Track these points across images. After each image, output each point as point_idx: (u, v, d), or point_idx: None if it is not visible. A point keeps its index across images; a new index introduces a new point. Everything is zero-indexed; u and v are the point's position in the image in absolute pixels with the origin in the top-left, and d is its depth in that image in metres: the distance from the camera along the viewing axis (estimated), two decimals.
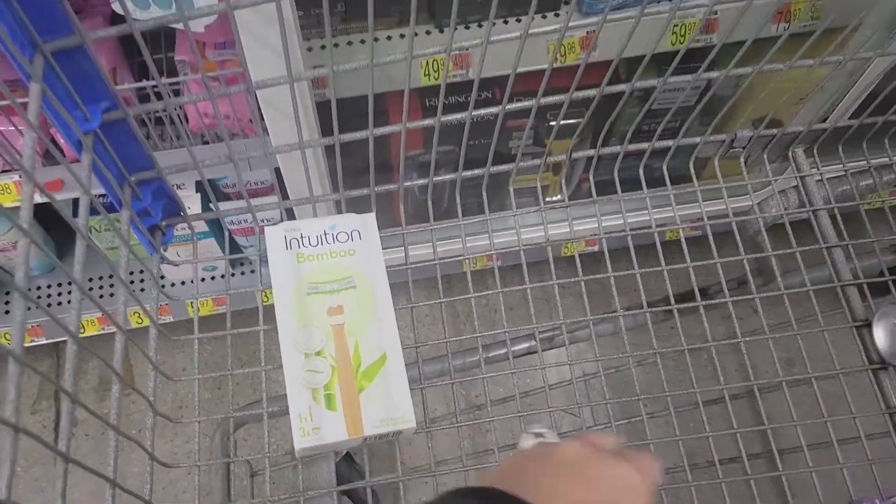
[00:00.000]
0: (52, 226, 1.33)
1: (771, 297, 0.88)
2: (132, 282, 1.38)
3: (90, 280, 1.36)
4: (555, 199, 1.39)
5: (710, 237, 0.88)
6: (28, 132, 0.51)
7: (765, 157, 0.92)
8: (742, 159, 0.92)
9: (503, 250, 0.87)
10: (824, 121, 0.98)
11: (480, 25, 0.97)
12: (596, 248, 1.38)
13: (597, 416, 1.38)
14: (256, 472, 1.15)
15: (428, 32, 0.95)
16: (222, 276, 1.33)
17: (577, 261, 0.85)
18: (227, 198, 1.26)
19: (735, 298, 0.89)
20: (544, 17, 0.99)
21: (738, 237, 0.88)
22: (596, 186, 0.88)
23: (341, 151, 0.75)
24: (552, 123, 1.17)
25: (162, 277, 1.34)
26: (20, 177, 1.01)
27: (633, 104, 1.16)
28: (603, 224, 0.87)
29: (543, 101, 0.76)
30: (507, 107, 0.77)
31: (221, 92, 0.65)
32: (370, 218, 0.79)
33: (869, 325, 0.84)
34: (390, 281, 0.76)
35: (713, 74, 0.76)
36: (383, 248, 0.78)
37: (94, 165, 0.62)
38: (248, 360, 1.47)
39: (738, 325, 0.87)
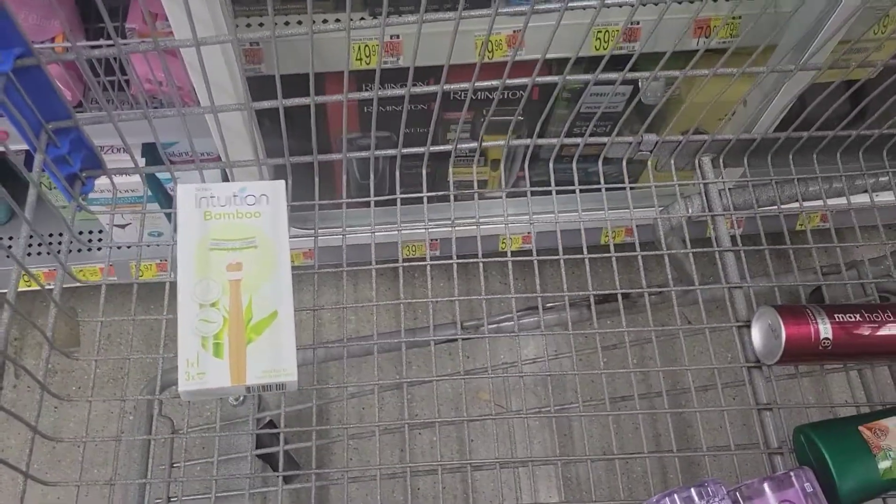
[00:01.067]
0: None
1: (686, 303, 0.93)
2: (90, 240, 1.42)
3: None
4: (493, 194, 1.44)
5: (636, 236, 0.92)
6: None
7: (672, 161, 0.96)
8: (650, 163, 0.97)
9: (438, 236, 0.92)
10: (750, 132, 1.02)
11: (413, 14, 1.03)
12: (530, 246, 1.42)
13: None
14: (177, 431, 1.20)
15: (362, 18, 1.00)
16: (168, 245, 1.38)
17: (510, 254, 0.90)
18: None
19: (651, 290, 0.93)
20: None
21: (662, 238, 0.93)
22: (531, 185, 0.93)
23: (273, 127, 0.80)
24: (494, 119, 1.22)
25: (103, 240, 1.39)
26: None
27: (563, 105, 1.22)
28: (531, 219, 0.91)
29: (478, 84, 0.81)
30: (445, 87, 0.80)
31: (165, 45, 0.69)
32: (280, 184, 0.84)
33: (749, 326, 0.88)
34: (326, 261, 0.81)
35: (643, 74, 0.81)
36: (327, 227, 0.83)
37: (5, 110, 0.67)
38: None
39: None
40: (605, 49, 1.04)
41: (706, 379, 1.42)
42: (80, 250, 1.40)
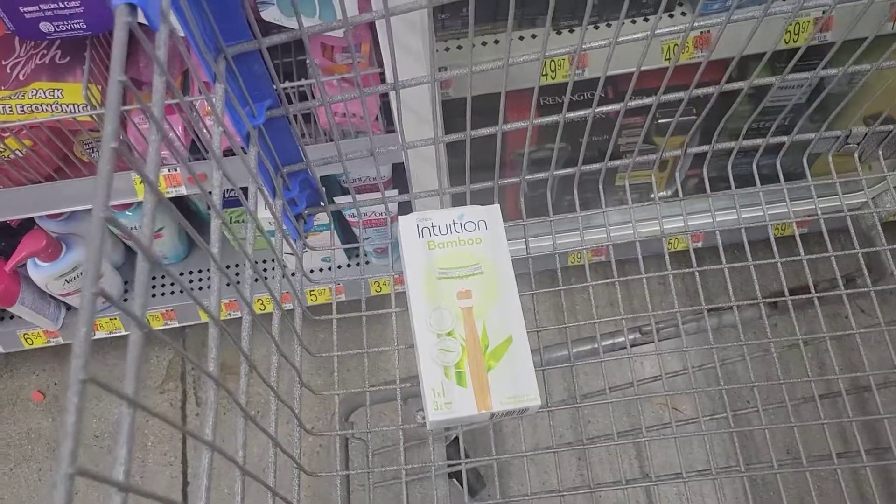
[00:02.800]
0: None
1: (880, 296, 0.88)
2: (264, 269, 1.47)
3: (208, 270, 1.47)
4: (661, 195, 1.41)
5: (825, 232, 0.89)
6: (216, 127, 0.58)
7: (880, 153, 0.92)
8: (856, 155, 0.92)
9: (617, 242, 0.90)
10: None
11: (597, 27, 1.02)
12: (701, 244, 1.39)
13: (695, 409, 1.40)
14: (374, 451, 1.22)
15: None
16: (339, 267, 1.42)
17: (692, 255, 0.88)
18: (344, 192, 1.33)
19: (850, 291, 0.89)
20: (648, 19, 1.02)
21: (852, 231, 0.89)
22: (703, 184, 0.91)
23: (457, 151, 0.80)
24: (661, 121, 1.19)
25: (284, 267, 1.43)
26: (170, 170, 1.11)
27: (743, 102, 1.17)
28: (717, 219, 0.89)
29: (663, 98, 0.80)
30: (629, 104, 0.80)
31: (368, 91, 0.71)
32: (495, 209, 0.84)
33: None
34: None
35: (831, 72, 0.78)
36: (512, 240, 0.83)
37: (259, 160, 0.70)
38: (373, 342, 1.55)
39: (844, 324, 0.88)
40: (794, 42, 1.00)
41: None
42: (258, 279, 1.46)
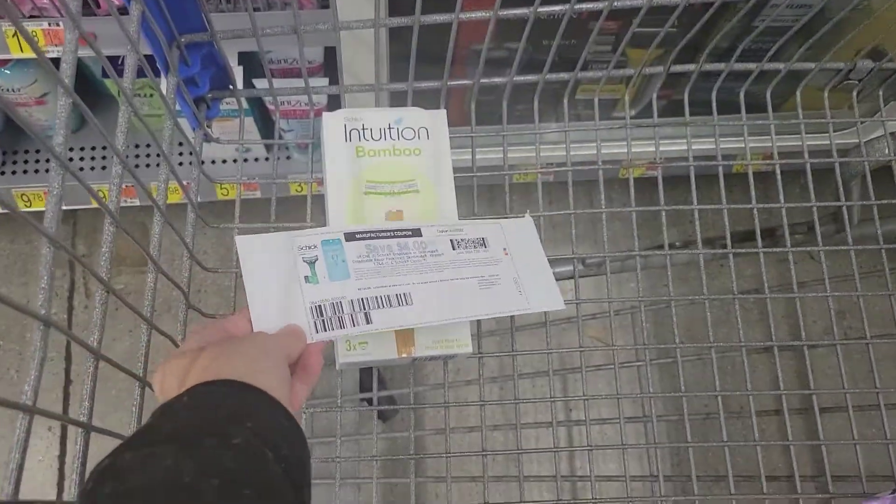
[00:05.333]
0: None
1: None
2: (156, 155, 1.30)
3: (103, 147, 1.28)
4: (621, 115, 1.29)
5: (809, 174, 0.79)
6: None
7: (880, 93, 0.82)
8: (855, 93, 0.82)
9: (580, 167, 0.78)
10: None
11: None
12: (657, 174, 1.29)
13: (630, 345, 1.33)
14: None
15: None
16: (255, 160, 1.25)
17: (660, 186, 0.77)
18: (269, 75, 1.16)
19: (797, 249, 0.80)
20: None
21: (838, 176, 0.79)
22: (673, 106, 0.79)
23: (402, 38, 0.65)
24: (640, 30, 1.05)
25: (166, 157, 1.26)
26: (52, 24, 0.91)
27: (729, 17, 1.05)
28: (690, 151, 0.78)
29: (618, 3, 0.67)
30: (615, 3, 0.67)
31: None
32: (440, 116, 0.70)
33: None
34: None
35: None
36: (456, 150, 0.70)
37: (143, 19, 0.53)
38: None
39: (795, 272, 0.79)
40: None
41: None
42: (150, 165, 1.28)
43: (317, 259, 0.60)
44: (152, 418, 0.40)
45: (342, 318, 0.59)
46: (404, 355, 0.63)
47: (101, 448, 0.37)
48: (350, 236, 0.62)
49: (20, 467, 0.35)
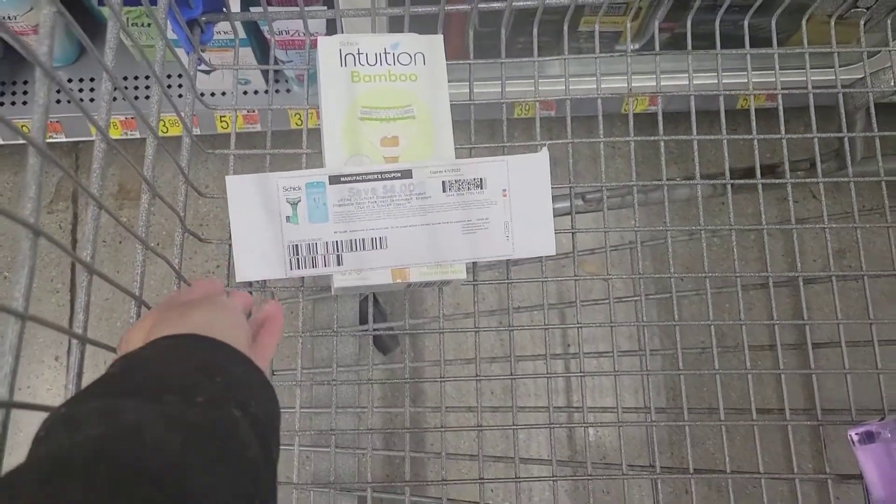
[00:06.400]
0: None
1: (834, 183, 0.79)
2: (169, 86, 1.28)
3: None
4: (624, 47, 1.26)
5: (812, 107, 0.78)
6: None
7: (888, 22, 0.80)
8: (862, 22, 0.80)
9: (580, 96, 0.77)
10: None
11: None
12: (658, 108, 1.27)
13: (628, 283, 1.34)
14: (282, 300, 1.11)
15: None
16: (255, 92, 1.24)
17: (659, 119, 0.76)
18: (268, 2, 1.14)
19: (795, 181, 0.79)
20: None
21: (841, 109, 0.78)
22: (676, 40, 0.78)
23: None
24: None
25: (161, 84, 1.24)
26: None
27: None
28: (691, 81, 0.77)
29: None
30: None
31: None
32: (438, 41, 0.70)
33: None
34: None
35: None
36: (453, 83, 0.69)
37: None
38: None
39: (794, 210, 0.79)
40: None
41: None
42: (140, 98, 1.26)
43: (299, 200, 0.63)
44: (113, 367, 0.38)
45: (315, 259, 0.63)
46: (399, 280, 0.64)
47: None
48: (335, 179, 0.63)
49: (14, 371, 0.35)
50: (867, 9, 0.77)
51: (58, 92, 1.23)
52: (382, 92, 0.67)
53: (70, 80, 1.26)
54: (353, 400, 1.00)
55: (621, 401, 0.73)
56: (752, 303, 1.39)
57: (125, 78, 1.26)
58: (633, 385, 1.36)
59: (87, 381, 0.38)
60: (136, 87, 1.27)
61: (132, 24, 1.13)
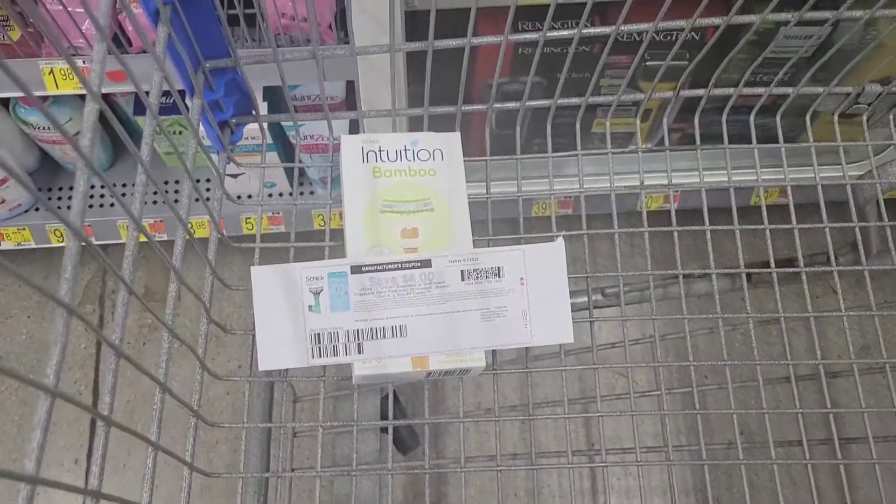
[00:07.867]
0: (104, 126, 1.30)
1: (856, 279, 0.80)
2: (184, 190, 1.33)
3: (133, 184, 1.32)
4: (644, 146, 1.30)
5: (822, 200, 0.80)
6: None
7: (890, 117, 0.82)
8: (865, 118, 0.83)
9: (594, 192, 0.79)
10: None
11: None
12: (676, 206, 1.30)
13: (651, 380, 1.32)
14: (299, 397, 1.11)
15: None
16: (280, 195, 1.29)
17: (672, 215, 0.78)
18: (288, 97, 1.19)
19: (810, 270, 0.80)
20: None
21: (851, 202, 0.80)
22: (687, 140, 0.81)
23: (418, 74, 0.68)
24: (649, 63, 1.08)
25: (193, 182, 1.29)
26: (87, 62, 0.96)
27: (742, 51, 1.07)
28: (701, 177, 0.79)
29: (661, 25, 0.69)
30: (622, 27, 0.69)
31: None
32: (455, 138, 0.73)
33: None
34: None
35: (856, 13, 0.68)
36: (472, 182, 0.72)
37: (169, 43, 0.56)
38: None
39: (815, 304, 0.79)
40: None
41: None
42: (175, 201, 1.31)
43: (321, 290, 0.65)
44: None
45: (336, 347, 0.64)
46: (419, 369, 0.64)
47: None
48: (356, 269, 0.65)
49: (41, 447, 0.36)
50: (869, 104, 0.79)
51: (90, 197, 1.28)
52: (402, 186, 0.69)
53: (102, 186, 1.31)
54: (372, 501, 0.98)
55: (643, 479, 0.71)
56: (780, 400, 1.36)
57: (166, 182, 1.32)
58: (662, 486, 1.32)
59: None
60: (166, 192, 1.32)
61: (159, 133, 1.19)
